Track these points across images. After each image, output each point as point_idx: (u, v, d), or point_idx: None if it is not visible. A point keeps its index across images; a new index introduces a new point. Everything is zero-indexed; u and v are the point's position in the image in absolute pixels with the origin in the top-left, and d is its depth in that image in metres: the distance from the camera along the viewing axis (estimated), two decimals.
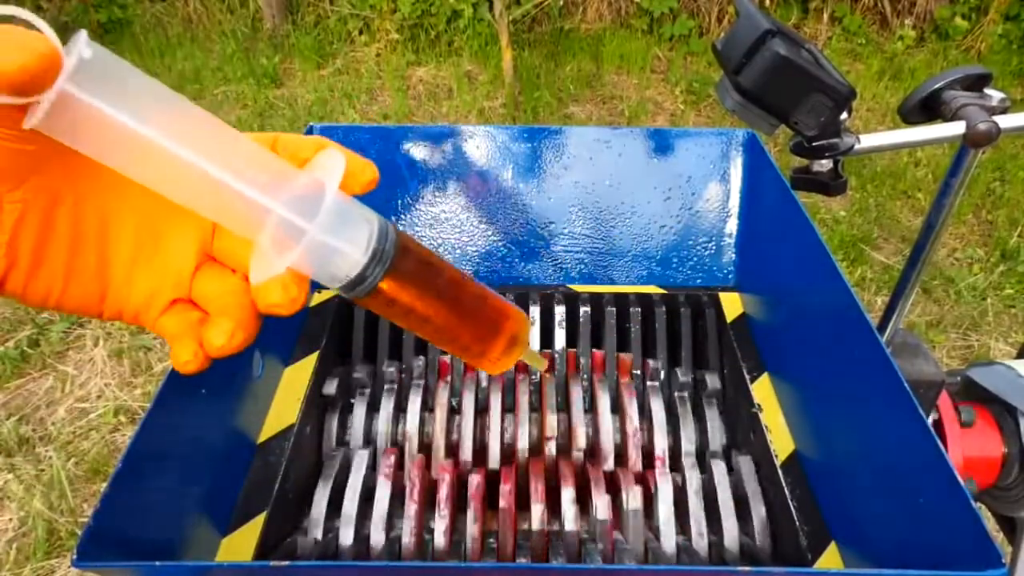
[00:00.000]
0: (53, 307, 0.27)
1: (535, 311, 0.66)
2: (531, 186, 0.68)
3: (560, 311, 0.66)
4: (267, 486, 0.50)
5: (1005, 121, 0.65)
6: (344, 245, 0.27)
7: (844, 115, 0.64)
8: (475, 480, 0.52)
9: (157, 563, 0.32)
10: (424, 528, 0.50)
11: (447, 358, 0.63)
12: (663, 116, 2.73)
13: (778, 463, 0.52)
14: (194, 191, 0.25)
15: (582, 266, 0.69)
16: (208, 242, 0.29)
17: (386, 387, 0.60)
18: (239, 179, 0.25)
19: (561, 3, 3.06)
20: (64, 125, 0.22)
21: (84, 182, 0.27)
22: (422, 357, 0.63)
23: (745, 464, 0.55)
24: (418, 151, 0.68)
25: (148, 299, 0.29)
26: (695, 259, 0.69)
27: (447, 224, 0.69)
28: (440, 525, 0.49)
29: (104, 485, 0.41)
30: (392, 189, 0.68)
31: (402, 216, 0.68)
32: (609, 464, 0.56)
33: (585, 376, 0.64)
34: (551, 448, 0.57)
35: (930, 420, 0.57)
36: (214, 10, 3.19)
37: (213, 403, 0.47)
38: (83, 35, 0.22)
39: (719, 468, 0.55)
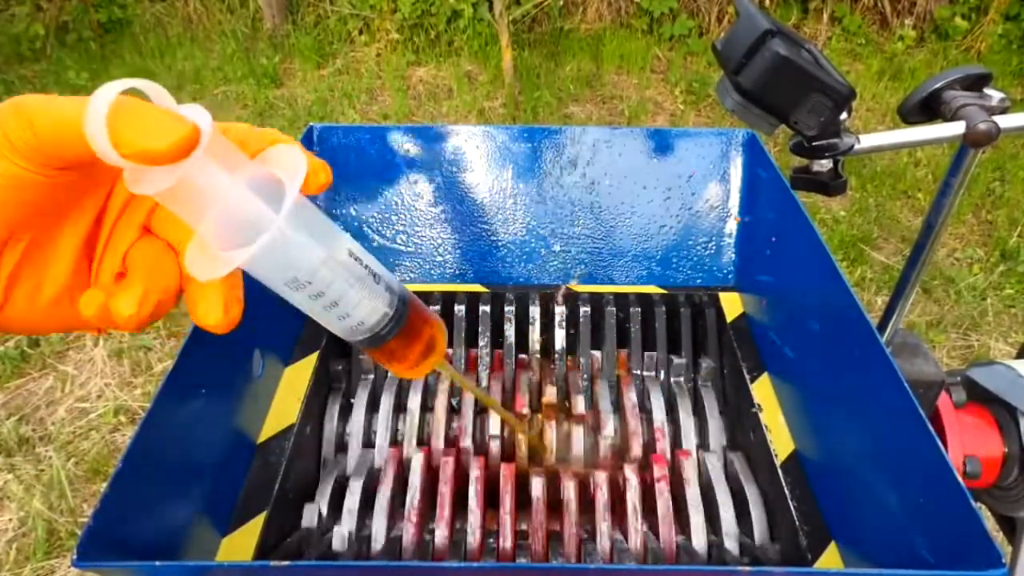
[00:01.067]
0: (40, 334, 0.28)
1: (535, 311, 0.66)
2: (531, 186, 0.68)
3: (560, 311, 0.66)
4: (267, 486, 0.50)
5: (1005, 121, 0.65)
6: (366, 299, 0.29)
7: (844, 115, 0.64)
8: (475, 480, 0.52)
9: (157, 563, 0.32)
10: (424, 528, 0.50)
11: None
12: (663, 116, 2.73)
13: (778, 463, 0.52)
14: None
15: (582, 266, 0.69)
16: (148, 218, 0.28)
17: (385, 385, 0.60)
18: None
19: (561, 3, 3.06)
20: (170, 191, 0.23)
21: (85, 214, 0.27)
22: None
23: (745, 464, 0.55)
24: (418, 151, 0.68)
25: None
26: (695, 259, 0.69)
27: (447, 224, 0.69)
28: (440, 525, 0.49)
29: (104, 485, 0.41)
30: (392, 189, 0.68)
31: (402, 216, 0.68)
32: (608, 464, 0.56)
33: (585, 376, 0.64)
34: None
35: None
36: (214, 10, 3.18)
37: (213, 403, 0.47)
38: (207, 117, 0.23)
39: (719, 468, 0.55)
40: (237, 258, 0.24)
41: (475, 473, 0.52)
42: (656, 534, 0.50)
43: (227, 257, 0.24)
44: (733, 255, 0.68)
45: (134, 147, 0.22)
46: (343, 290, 0.28)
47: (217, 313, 0.26)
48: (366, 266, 0.30)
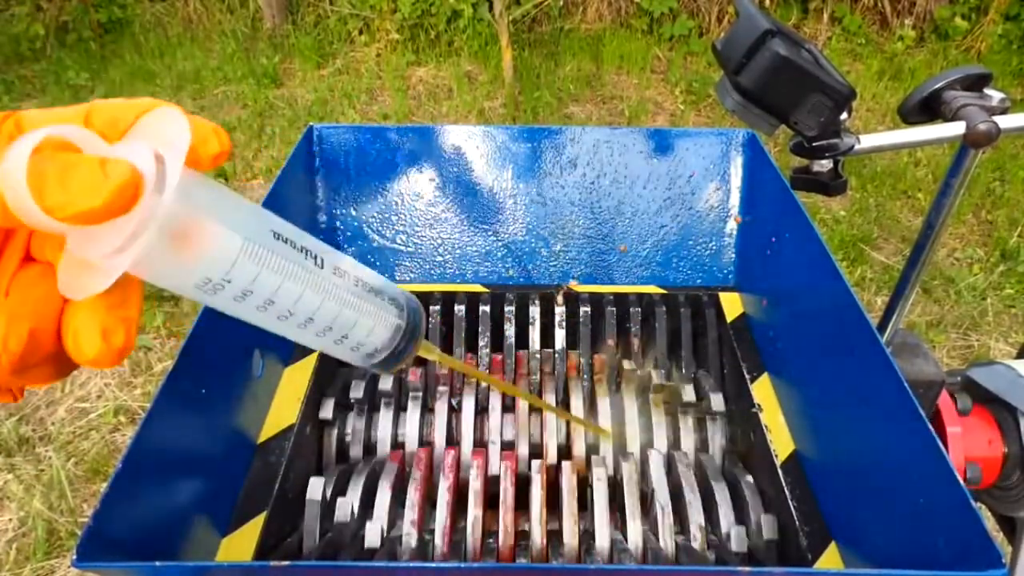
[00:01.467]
0: None
1: (535, 311, 0.66)
2: (531, 186, 0.68)
3: (560, 311, 0.66)
4: (267, 486, 0.50)
5: (1005, 121, 0.65)
6: (374, 317, 0.27)
7: (844, 115, 0.64)
8: (475, 480, 0.51)
9: (157, 563, 0.32)
10: (424, 528, 0.50)
11: None
12: (663, 116, 2.73)
13: (778, 463, 0.52)
14: None
15: (582, 266, 0.69)
16: (28, 243, 0.23)
17: (384, 391, 0.60)
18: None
19: (561, 3, 3.06)
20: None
21: None
22: None
23: (745, 464, 0.55)
24: (418, 151, 0.68)
25: None
26: (695, 259, 0.69)
27: (447, 224, 0.69)
28: (440, 525, 0.49)
29: (104, 485, 0.41)
30: (392, 189, 0.68)
31: (402, 216, 0.68)
32: (608, 464, 0.55)
33: (585, 377, 0.64)
34: (551, 450, 0.56)
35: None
36: (214, 10, 3.18)
37: (213, 403, 0.47)
38: (146, 151, 0.19)
39: (718, 468, 0.55)
40: (118, 265, 0.19)
41: (475, 473, 0.52)
42: (655, 534, 0.50)
43: (106, 266, 0.19)
44: (733, 255, 0.68)
45: (69, 209, 0.18)
46: (276, 283, 0.23)
47: (92, 342, 0.21)
48: (302, 248, 0.24)
